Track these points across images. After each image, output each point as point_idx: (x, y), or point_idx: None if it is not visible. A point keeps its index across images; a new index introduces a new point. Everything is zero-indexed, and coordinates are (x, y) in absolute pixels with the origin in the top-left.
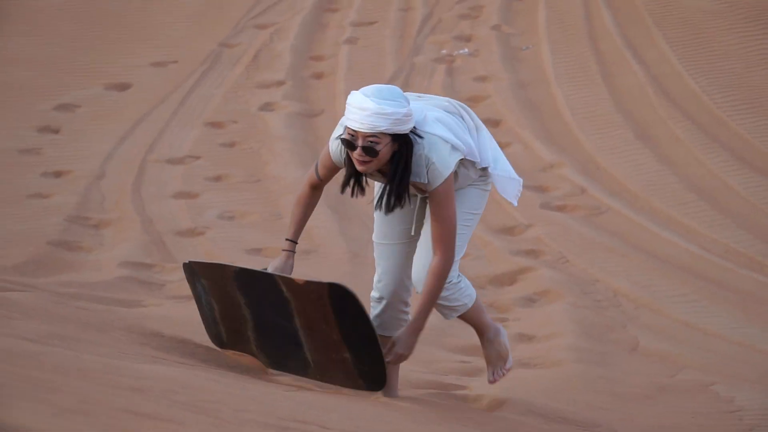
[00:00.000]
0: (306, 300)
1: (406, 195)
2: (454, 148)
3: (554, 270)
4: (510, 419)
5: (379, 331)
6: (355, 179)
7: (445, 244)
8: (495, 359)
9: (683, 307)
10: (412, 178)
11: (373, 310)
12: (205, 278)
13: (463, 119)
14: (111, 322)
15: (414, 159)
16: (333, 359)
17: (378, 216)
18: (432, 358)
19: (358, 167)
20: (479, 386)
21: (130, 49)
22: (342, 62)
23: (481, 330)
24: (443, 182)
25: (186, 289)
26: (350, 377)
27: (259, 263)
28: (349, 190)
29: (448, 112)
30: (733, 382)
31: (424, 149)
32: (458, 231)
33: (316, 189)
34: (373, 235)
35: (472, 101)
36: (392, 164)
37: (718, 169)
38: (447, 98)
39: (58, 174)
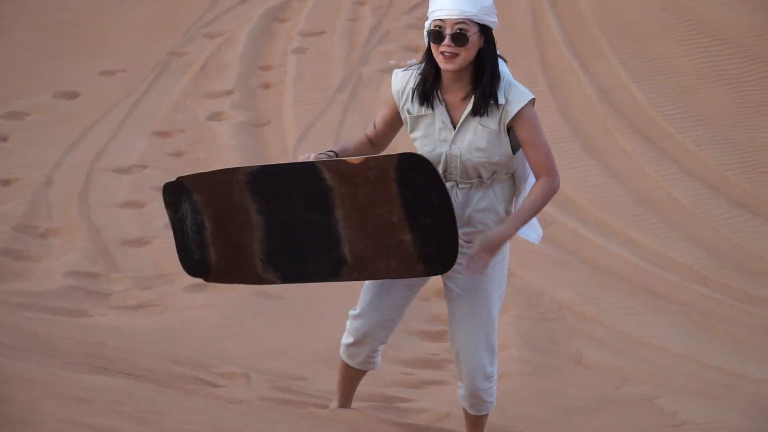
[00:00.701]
0: (361, 182)
1: (491, 103)
2: None
3: None
4: (455, 431)
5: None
6: (432, 88)
7: (549, 167)
8: None
9: (628, 320)
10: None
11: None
12: (200, 193)
13: None
14: (57, 332)
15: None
16: (384, 246)
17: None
18: (375, 370)
19: (444, 64)
20: (423, 398)
21: (80, 58)
22: (290, 72)
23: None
24: (526, 106)
25: (132, 297)
26: (407, 263)
27: None
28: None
29: None
30: (677, 396)
31: (504, 71)
32: (494, 316)
33: (372, 143)
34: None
35: None
36: (477, 66)
37: (664, 182)
38: None
39: (5, 182)
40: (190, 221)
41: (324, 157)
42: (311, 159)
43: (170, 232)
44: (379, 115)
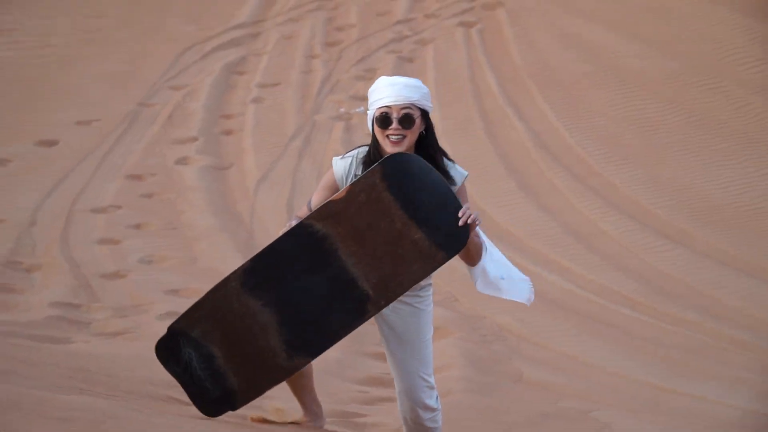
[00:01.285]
0: (354, 211)
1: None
2: None
3: (445, 308)
4: None
5: None
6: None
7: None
8: None
9: (563, 341)
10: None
11: None
12: (198, 326)
13: None
14: (41, 357)
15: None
16: (400, 256)
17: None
18: (334, 389)
19: (391, 148)
20: (377, 414)
21: (57, 109)
22: (249, 120)
23: None
24: (461, 186)
25: (111, 325)
26: (427, 259)
27: (178, 304)
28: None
29: None
30: (610, 409)
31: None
32: (427, 355)
33: None
34: None
35: None
36: (421, 144)
37: (592, 215)
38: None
39: None
40: (197, 361)
41: (307, 215)
42: (293, 224)
43: (144, 266)
44: (316, 198)
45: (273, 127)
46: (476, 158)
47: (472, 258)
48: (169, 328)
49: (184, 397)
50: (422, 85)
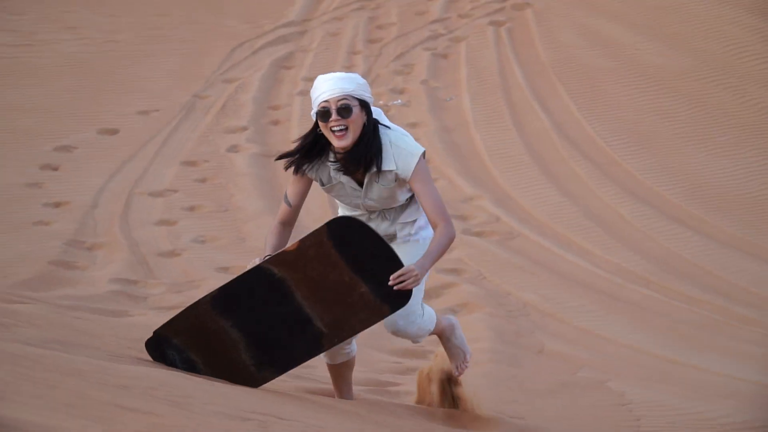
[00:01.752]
0: (305, 262)
1: (378, 162)
2: (416, 141)
3: (473, 285)
4: (435, 411)
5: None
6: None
7: (441, 214)
8: (456, 354)
9: (582, 316)
10: (384, 166)
11: None
12: (177, 335)
13: None
14: (101, 329)
15: (382, 147)
16: (350, 304)
17: None
18: (370, 359)
19: (339, 142)
20: (410, 383)
21: (120, 100)
22: (295, 111)
23: (440, 334)
24: (417, 163)
25: (166, 300)
26: (373, 310)
27: (228, 280)
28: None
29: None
30: (623, 380)
31: (389, 138)
32: (420, 297)
33: (286, 225)
34: None
35: None
36: (362, 138)
37: (610, 201)
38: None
39: (57, 205)
40: (180, 362)
41: (266, 259)
42: (257, 263)
43: (196, 245)
44: (291, 192)
45: None
46: (503, 147)
47: (450, 243)
48: (155, 332)
49: None
50: (358, 77)
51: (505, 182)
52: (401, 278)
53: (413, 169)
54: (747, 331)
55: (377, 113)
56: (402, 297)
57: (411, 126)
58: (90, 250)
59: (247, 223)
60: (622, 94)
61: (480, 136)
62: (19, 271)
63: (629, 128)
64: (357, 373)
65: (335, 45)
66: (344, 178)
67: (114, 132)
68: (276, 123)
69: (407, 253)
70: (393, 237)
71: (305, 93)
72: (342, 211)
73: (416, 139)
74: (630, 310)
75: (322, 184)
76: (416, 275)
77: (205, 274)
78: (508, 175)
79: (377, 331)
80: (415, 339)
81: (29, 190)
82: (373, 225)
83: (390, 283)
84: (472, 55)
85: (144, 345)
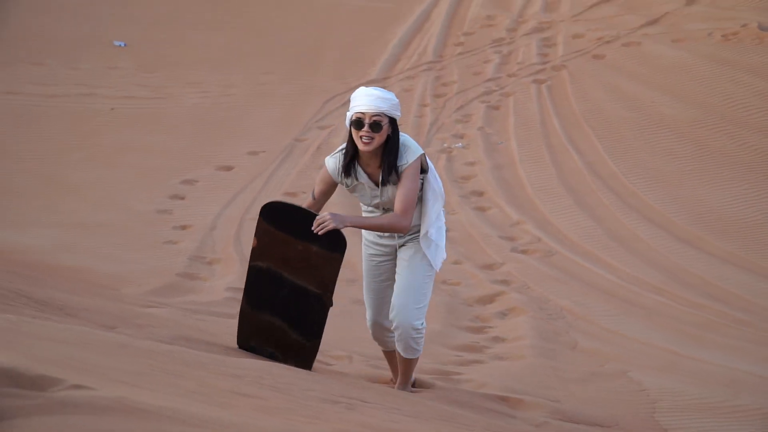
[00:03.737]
0: (269, 249)
1: (395, 172)
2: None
3: (519, 294)
4: (490, 394)
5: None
6: (351, 162)
7: (404, 205)
8: (405, 380)
9: (607, 319)
10: (398, 162)
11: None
12: (250, 341)
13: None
14: (219, 329)
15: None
16: (314, 264)
17: (365, 273)
18: (435, 353)
19: (363, 147)
20: (469, 373)
21: (233, 143)
22: None
23: (405, 377)
24: (413, 161)
25: None
26: (330, 260)
27: None
28: (344, 173)
29: None
30: (641, 370)
31: (402, 139)
32: (425, 281)
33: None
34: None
35: (464, 179)
36: (386, 146)
37: (630, 225)
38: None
39: (183, 227)
40: (269, 355)
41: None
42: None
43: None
44: (318, 190)
45: None
46: (543, 181)
47: (395, 230)
48: (239, 345)
49: (326, 359)
50: (393, 97)
51: (545, 210)
52: (320, 223)
53: (410, 163)
54: (742, 331)
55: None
56: (337, 239)
57: (469, 164)
58: (209, 265)
59: None
60: (640, 139)
61: (525, 173)
62: (153, 282)
63: (646, 166)
64: (425, 364)
65: (408, 98)
66: (363, 179)
67: (229, 169)
68: None
69: (410, 258)
70: (409, 236)
71: None
72: (364, 213)
73: (474, 176)
74: (646, 314)
75: (347, 186)
76: (329, 219)
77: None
78: (547, 204)
79: (442, 330)
80: (411, 345)
81: (160, 215)
82: (380, 237)
83: (313, 229)
84: (518, 107)
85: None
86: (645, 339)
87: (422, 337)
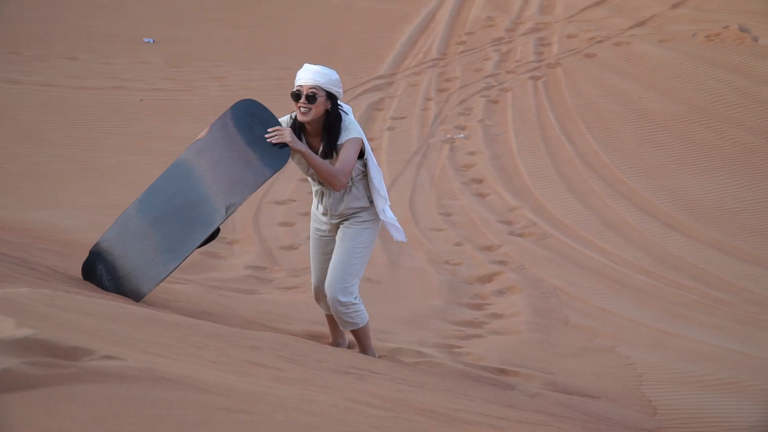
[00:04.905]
0: (211, 144)
1: (334, 148)
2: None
3: (516, 273)
4: (489, 366)
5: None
6: (297, 132)
7: (343, 167)
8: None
9: (598, 298)
10: (339, 140)
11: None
12: (106, 245)
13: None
14: (238, 303)
15: (341, 129)
16: (239, 170)
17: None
18: (437, 328)
19: (300, 117)
20: (469, 346)
21: None
22: (384, 142)
23: (361, 346)
24: (351, 138)
25: (286, 282)
26: (258, 173)
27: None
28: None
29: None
30: (629, 346)
31: (345, 123)
32: (353, 261)
33: None
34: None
35: (465, 167)
36: (326, 121)
37: (620, 211)
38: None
39: None
40: (106, 276)
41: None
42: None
43: (308, 241)
44: None
45: (400, 147)
46: (539, 170)
47: (328, 181)
48: (91, 251)
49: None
50: (332, 73)
51: (540, 196)
52: (275, 133)
53: (347, 140)
54: (723, 310)
55: (348, 109)
56: (279, 154)
57: (470, 154)
58: (230, 245)
59: None
60: (629, 132)
61: (521, 162)
62: None
63: (634, 157)
64: (429, 338)
65: (414, 93)
66: (305, 148)
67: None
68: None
69: (354, 234)
70: (343, 217)
71: (393, 128)
72: (313, 189)
73: (474, 164)
74: (634, 294)
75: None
76: (286, 134)
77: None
78: (543, 191)
79: (442, 306)
80: (343, 318)
81: None
82: (327, 201)
83: (266, 136)
84: (516, 101)
85: (81, 269)
86: (633, 317)
87: (353, 311)
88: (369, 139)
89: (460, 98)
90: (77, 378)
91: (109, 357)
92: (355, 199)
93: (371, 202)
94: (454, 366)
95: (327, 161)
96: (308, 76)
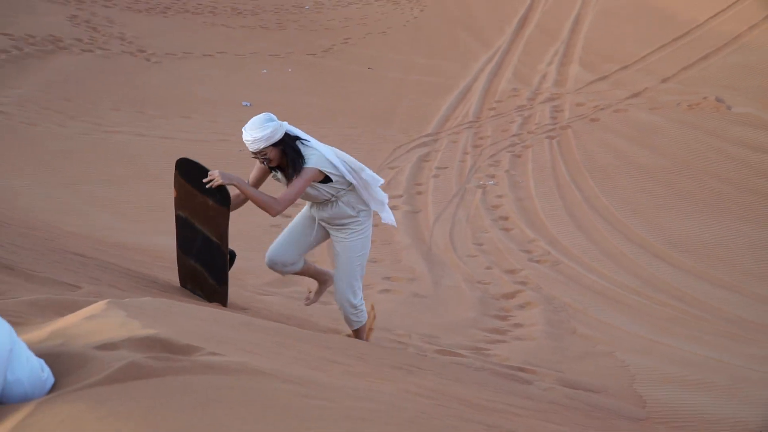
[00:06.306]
0: (184, 200)
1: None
2: (328, 161)
3: (534, 292)
4: (511, 365)
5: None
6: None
7: (284, 198)
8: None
9: (599, 313)
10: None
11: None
12: (187, 284)
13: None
14: (315, 312)
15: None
16: (211, 216)
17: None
18: (472, 334)
19: (265, 164)
20: (496, 349)
21: None
22: (431, 186)
23: (357, 335)
24: (306, 167)
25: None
26: (220, 214)
27: (390, 284)
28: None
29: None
30: (624, 352)
31: (306, 152)
32: (354, 268)
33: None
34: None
35: (494, 207)
36: (287, 156)
37: (617, 243)
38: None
39: None
40: (197, 293)
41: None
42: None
43: (371, 264)
44: (252, 176)
45: (443, 191)
46: (553, 211)
47: (266, 209)
48: (181, 285)
49: (393, 336)
50: (264, 127)
51: (553, 231)
52: (209, 179)
53: (302, 169)
54: (700, 325)
55: (307, 138)
56: (223, 197)
57: (498, 197)
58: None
59: (400, 251)
60: (625, 181)
61: (539, 204)
62: (267, 275)
63: (629, 201)
64: (464, 341)
65: (454, 148)
66: (279, 175)
67: None
68: (420, 193)
69: (349, 248)
70: (332, 225)
71: (437, 176)
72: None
73: (501, 205)
74: (628, 310)
75: (273, 175)
76: (218, 176)
77: (374, 281)
78: (556, 227)
79: (474, 316)
80: (351, 319)
81: (274, 228)
82: (316, 211)
83: (204, 181)
84: (535, 156)
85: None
86: (627, 328)
87: (359, 312)
88: (417, 185)
89: (491, 153)
90: (189, 370)
91: (214, 353)
92: (341, 212)
93: (360, 212)
94: (484, 365)
95: (331, 206)
96: (250, 145)
